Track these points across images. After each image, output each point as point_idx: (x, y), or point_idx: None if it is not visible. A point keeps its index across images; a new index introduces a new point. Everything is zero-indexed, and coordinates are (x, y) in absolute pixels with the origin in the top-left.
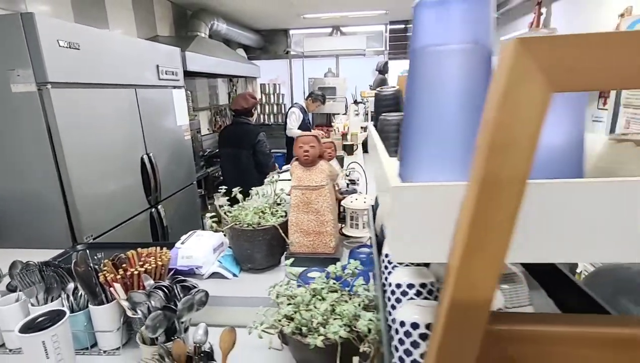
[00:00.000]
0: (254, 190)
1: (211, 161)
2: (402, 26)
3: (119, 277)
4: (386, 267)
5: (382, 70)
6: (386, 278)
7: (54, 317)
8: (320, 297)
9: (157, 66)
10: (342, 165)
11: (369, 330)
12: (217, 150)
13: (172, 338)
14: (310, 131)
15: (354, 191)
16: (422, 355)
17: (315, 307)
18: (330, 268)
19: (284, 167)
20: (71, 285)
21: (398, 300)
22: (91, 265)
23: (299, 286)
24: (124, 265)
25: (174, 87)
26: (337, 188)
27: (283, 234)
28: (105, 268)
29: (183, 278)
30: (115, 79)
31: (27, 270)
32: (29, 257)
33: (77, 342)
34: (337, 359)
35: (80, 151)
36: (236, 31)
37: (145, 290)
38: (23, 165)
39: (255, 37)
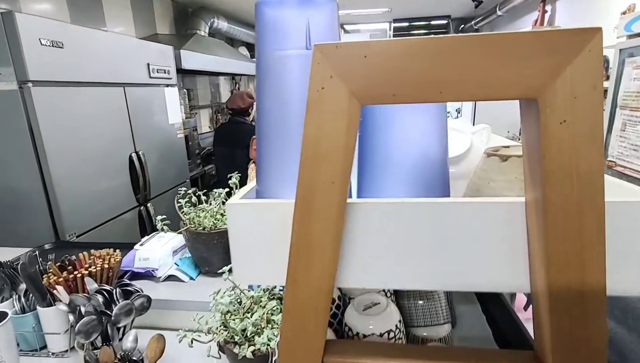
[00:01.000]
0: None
1: (209, 159)
2: (406, 24)
3: (61, 279)
4: None
5: None
6: None
7: None
8: (262, 305)
9: (148, 64)
10: None
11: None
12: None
13: (106, 343)
14: None
15: None
16: None
17: (250, 316)
18: None
19: None
20: (23, 286)
21: None
22: (40, 266)
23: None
24: (69, 267)
25: (167, 85)
26: None
27: None
28: (50, 270)
29: (127, 282)
30: (102, 77)
31: None
32: (2, 255)
33: (26, 343)
34: None
35: (63, 149)
36: (238, 29)
37: (88, 293)
38: (4, 163)
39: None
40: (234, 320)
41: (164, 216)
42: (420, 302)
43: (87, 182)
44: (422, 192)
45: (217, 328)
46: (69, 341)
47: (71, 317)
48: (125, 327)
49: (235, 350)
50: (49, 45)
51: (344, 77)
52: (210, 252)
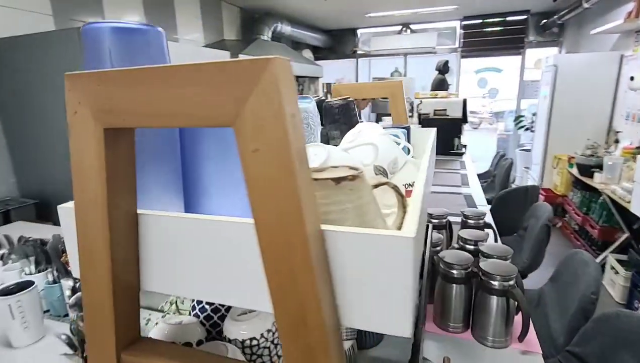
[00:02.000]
0: None
1: None
2: (479, 21)
3: None
4: None
5: (442, 70)
6: None
7: (25, 286)
8: None
9: None
10: None
11: None
12: None
13: None
14: None
15: None
16: None
17: None
18: None
19: None
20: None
21: None
22: (62, 245)
23: None
24: None
25: None
26: None
27: None
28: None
29: None
30: None
31: (25, 245)
32: (49, 232)
33: (54, 309)
34: None
35: None
36: (302, 32)
37: None
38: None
39: (323, 37)
40: None
41: None
42: None
43: None
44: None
45: None
46: None
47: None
48: None
49: None
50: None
51: (87, 103)
52: None
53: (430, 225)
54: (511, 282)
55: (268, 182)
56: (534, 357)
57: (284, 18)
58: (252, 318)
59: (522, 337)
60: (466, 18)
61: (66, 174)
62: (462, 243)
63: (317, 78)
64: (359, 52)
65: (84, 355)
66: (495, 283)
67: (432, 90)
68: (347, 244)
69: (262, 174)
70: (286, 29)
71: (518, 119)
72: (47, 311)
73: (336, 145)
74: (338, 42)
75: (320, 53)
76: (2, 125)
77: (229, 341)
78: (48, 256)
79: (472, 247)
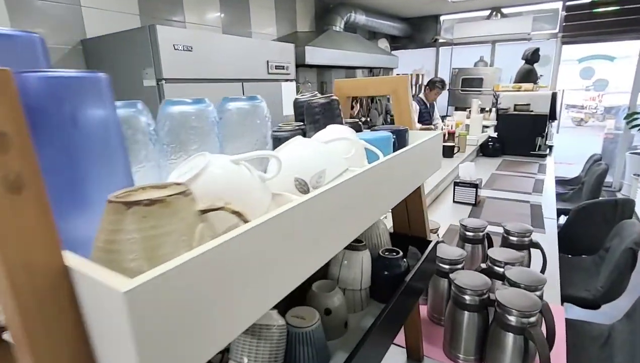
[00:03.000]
0: None
1: None
2: (587, 1)
3: None
4: None
5: (530, 59)
6: None
7: None
8: None
9: (267, 62)
10: None
11: None
12: None
13: None
14: (431, 124)
15: None
16: None
17: None
18: None
19: None
20: None
21: None
22: None
23: None
24: None
25: (285, 80)
26: None
27: None
28: None
29: None
30: (223, 74)
31: None
32: None
33: None
34: None
35: None
36: (377, 21)
37: None
38: None
39: (401, 25)
40: None
41: None
42: (249, 338)
43: None
44: None
45: None
46: None
47: None
48: None
49: None
50: (181, 50)
51: None
52: None
53: (434, 241)
54: (531, 320)
55: None
56: None
57: (358, 7)
58: None
59: None
60: None
61: None
62: (490, 264)
63: (392, 69)
64: (440, 40)
65: None
66: (512, 318)
67: (515, 81)
68: (83, 284)
69: None
70: (360, 18)
71: (631, 116)
72: None
73: None
74: (418, 30)
75: (398, 42)
76: None
77: None
78: None
79: (501, 270)
